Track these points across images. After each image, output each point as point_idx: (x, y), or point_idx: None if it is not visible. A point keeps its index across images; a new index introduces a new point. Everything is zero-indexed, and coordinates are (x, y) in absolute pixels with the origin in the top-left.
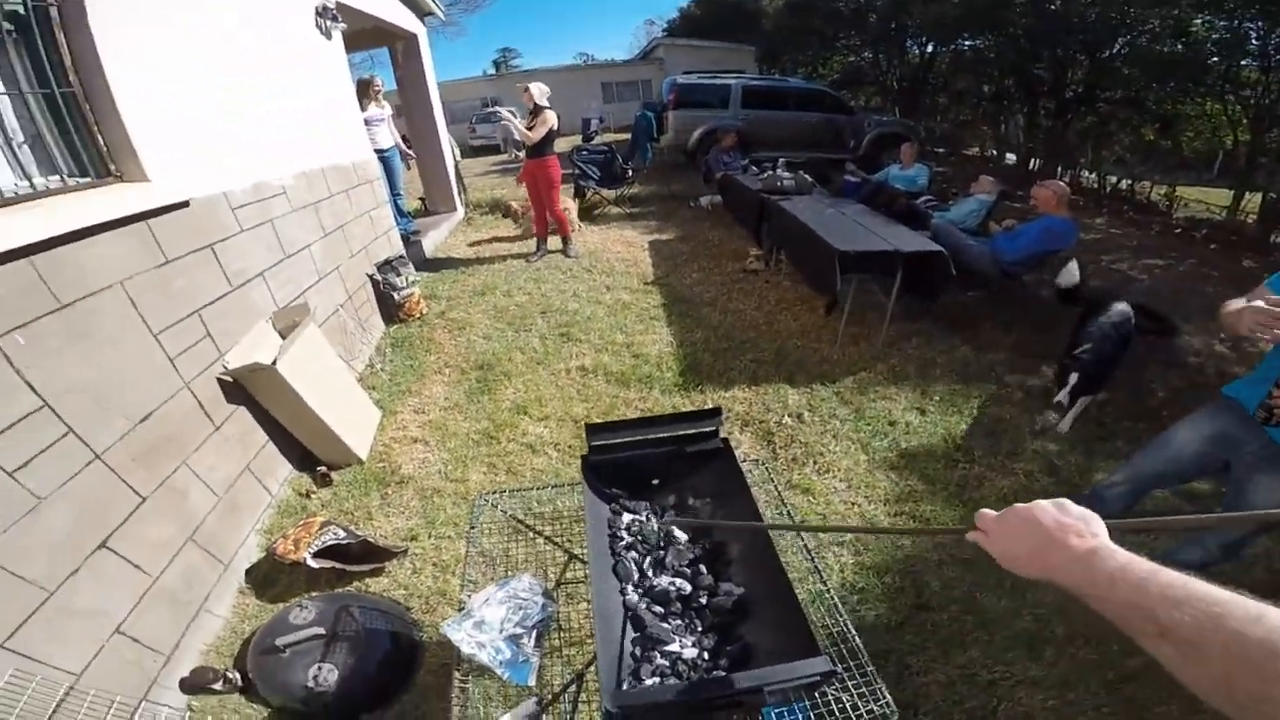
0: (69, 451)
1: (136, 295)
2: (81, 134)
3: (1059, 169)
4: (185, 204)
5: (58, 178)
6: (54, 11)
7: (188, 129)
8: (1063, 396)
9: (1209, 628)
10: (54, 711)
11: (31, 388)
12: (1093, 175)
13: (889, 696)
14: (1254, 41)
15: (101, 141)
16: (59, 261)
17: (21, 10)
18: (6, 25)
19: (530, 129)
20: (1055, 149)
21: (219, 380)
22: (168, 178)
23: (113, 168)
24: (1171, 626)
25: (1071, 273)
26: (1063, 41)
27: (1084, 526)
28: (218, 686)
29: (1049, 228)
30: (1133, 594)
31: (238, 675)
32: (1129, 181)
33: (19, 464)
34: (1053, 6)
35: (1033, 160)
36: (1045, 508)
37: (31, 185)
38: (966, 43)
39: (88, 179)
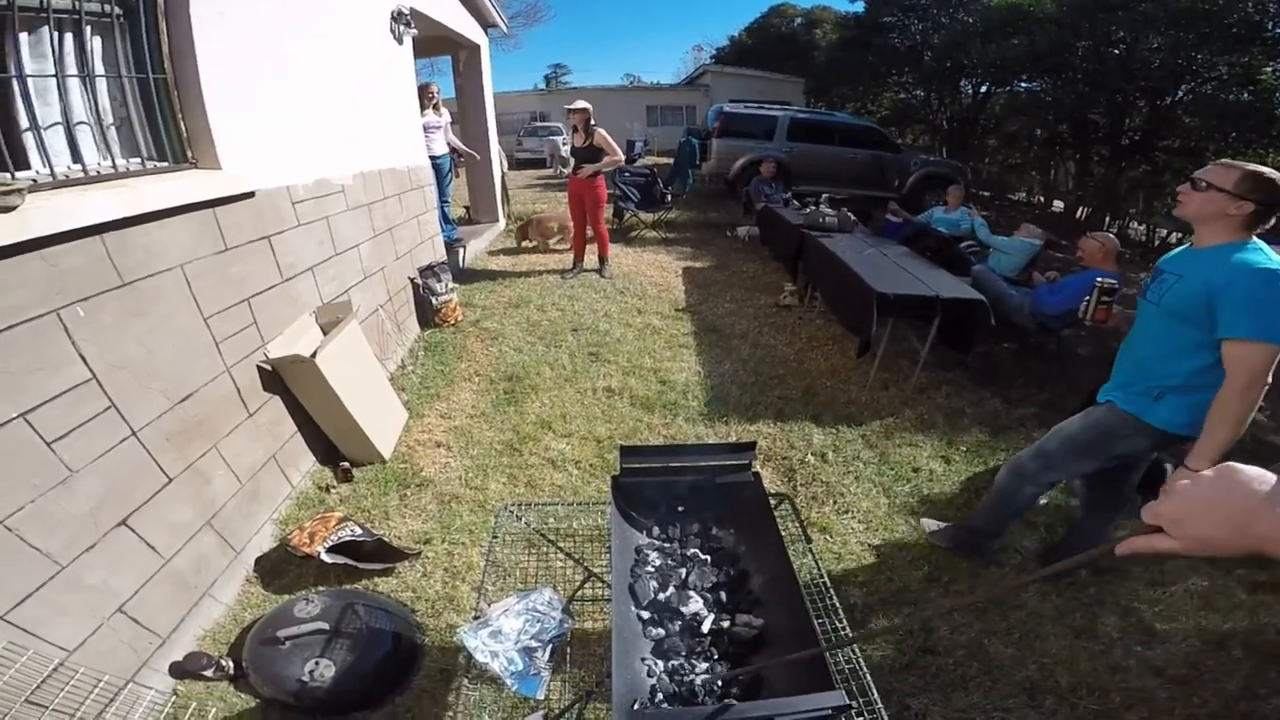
0: (108, 426)
1: (194, 279)
2: (166, 120)
3: (1107, 219)
4: (251, 194)
5: (138, 160)
6: None
7: (261, 121)
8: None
9: None
10: (38, 687)
11: (84, 360)
12: (1142, 227)
13: None
14: None
15: (183, 128)
16: (127, 241)
17: None
18: (116, 9)
19: (591, 146)
20: (1105, 198)
21: (258, 368)
22: (238, 168)
23: (190, 154)
24: None
25: None
26: (1123, 87)
27: (1274, 486)
28: (209, 673)
29: (1092, 282)
30: None
31: (230, 663)
32: (1179, 235)
33: (58, 435)
34: (1116, 51)
35: (1081, 209)
36: (1226, 475)
37: (114, 166)
38: (1023, 85)
39: (165, 164)
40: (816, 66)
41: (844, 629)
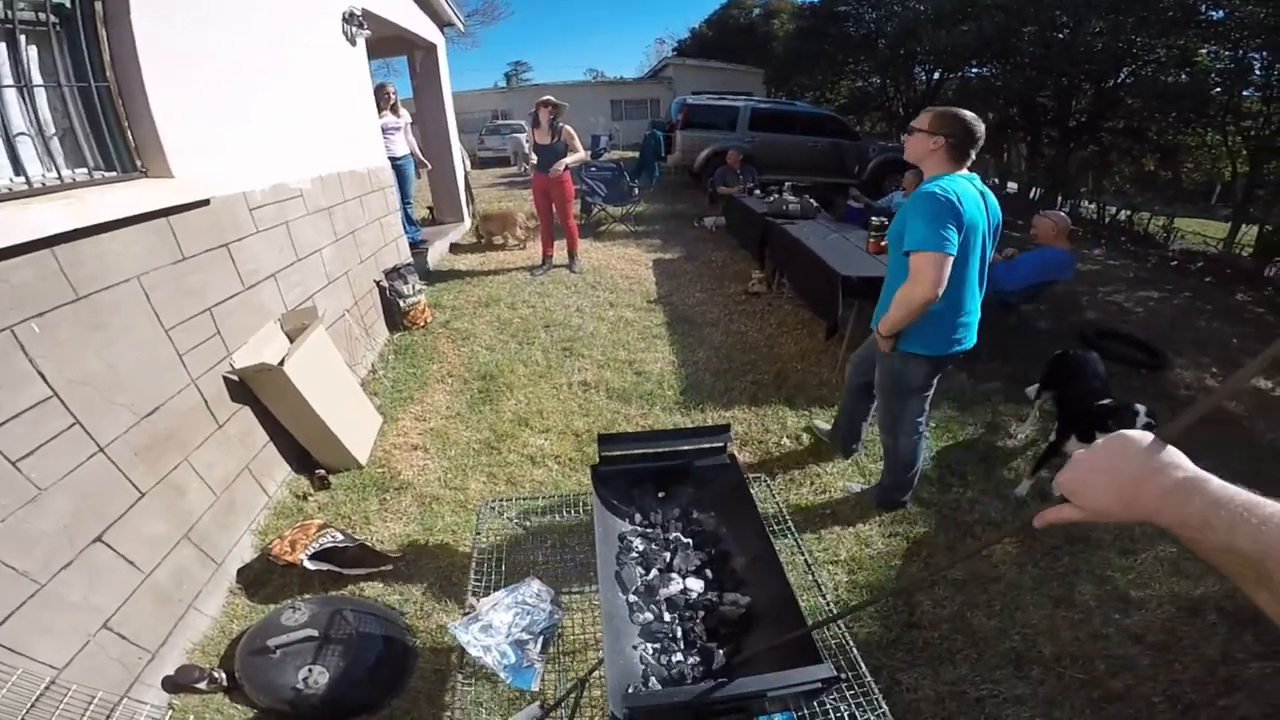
0: (74, 443)
1: (152, 290)
2: (112, 129)
3: (1059, 199)
4: (206, 202)
5: (84, 171)
6: (99, 6)
7: (213, 127)
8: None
9: None
10: (31, 707)
11: (42, 377)
12: (1092, 205)
13: (886, 706)
14: (1258, 72)
15: (130, 137)
16: (80, 254)
17: (68, 3)
18: (51, 18)
19: (553, 144)
20: (1056, 178)
21: (225, 379)
22: (191, 175)
23: (139, 163)
24: (1269, 573)
25: None
26: (1068, 71)
27: (1167, 456)
28: (202, 686)
29: (1047, 259)
30: (1225, 535)
31: (223, 675)
32: (1128, 212)
33: (23, 453)
34: (1060, 35)
35: (1034, 189)
36: (1115, 444)
37: (59, 177)
38: (974, 70)
39: (114, 173)
40: (775, 57)
41: (828, 604)
